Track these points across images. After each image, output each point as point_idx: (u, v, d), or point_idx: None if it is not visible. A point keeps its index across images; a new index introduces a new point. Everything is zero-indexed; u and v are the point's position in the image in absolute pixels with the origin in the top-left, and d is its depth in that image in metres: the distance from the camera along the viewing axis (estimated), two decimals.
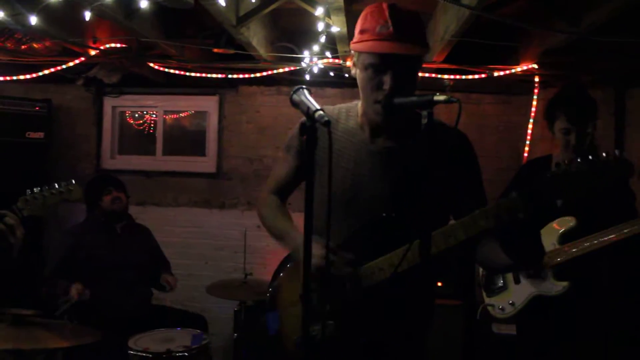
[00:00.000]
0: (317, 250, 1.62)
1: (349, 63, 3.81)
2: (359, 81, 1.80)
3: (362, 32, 1.75)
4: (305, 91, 1.59)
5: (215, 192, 5.55)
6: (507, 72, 4.11)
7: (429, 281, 2.00)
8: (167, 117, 5.81)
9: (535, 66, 4.02)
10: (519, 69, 4.06)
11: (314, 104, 1.52)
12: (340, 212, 1.80)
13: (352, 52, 1.82)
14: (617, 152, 1.52)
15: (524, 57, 4.06)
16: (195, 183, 5.57)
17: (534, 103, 4.30)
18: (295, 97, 1.60)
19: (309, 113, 1.51)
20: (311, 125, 1.50)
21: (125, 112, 5.85)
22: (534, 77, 4.28)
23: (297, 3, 3.14)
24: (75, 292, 3.46)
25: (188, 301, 4.92)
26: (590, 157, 1.53)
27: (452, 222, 1.79)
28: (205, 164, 5.60)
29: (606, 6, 2.80)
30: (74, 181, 2.69)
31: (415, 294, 1.81)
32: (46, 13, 3.35)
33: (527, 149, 4.49)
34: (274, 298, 2.07)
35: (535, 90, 4.28)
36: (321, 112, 1.49)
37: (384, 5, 1.73)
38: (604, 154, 1.53)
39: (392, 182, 1.81)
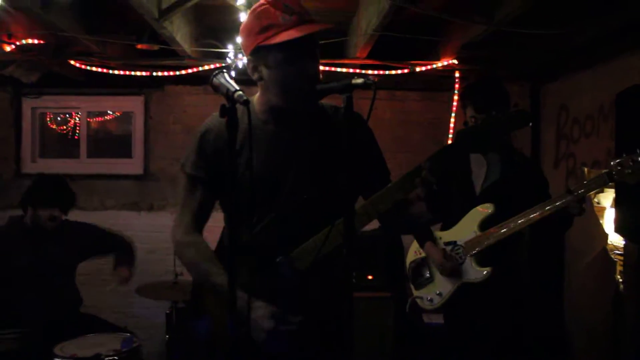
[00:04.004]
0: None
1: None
2: (270, 80, 1.80)
3: (265, 29, 1.74)
4: (225, 74, 1.59)
5: (143, 194, 5.44)
6: (429, 67, 4.24)
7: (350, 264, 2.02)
8: (90, 118, 5.64)
9: (455, 61, 4.16)
10: (439, 64, 4.19)
11: (234, 85, 1.53)
12: (266, 208, 1.85)
13: (250, 57, 1.81)
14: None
15: (444, 53, 4.20)
16: (122, 185, 5.44)
17: (455, 98, 4.44)
18: (215, 80, 1.59)
19: (228, 94, 1.51)
20: (231, 107, 1.51)
21: (46, 113, 5.64)
22: (454, 73, 4.42)
23: None
24: None
25: (120, 307, 4.79)
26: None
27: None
28: (132, 165, 5.48)
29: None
30: None
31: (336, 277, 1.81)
32: None
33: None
34: (198, 303, 2.05)
35: (456, 86, 4.43)
36: (240, 92, 1.50)
37: (272, 0, 1.75)
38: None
39: (308, 165, 1.86)
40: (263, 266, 1.82)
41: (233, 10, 3.31)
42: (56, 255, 3.69)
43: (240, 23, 3.30)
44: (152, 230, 5.30)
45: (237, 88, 1.51)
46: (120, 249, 4.01)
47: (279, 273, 1.82)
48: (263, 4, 1.77)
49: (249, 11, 1.81)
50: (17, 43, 3.93)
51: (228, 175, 1.54)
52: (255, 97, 1.90)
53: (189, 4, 3.25)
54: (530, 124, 1.75)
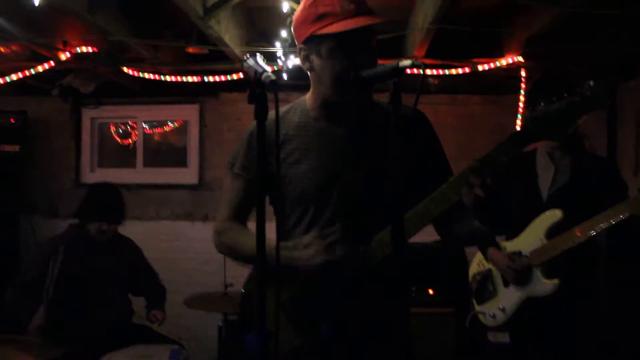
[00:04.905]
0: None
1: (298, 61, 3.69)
2: (322, 70, 1.71)
3: (320, 17, 1.66)
4: (258, 56, 1.48)
5: (198, 204, 5.43)
6: (492, 65, 3.97)
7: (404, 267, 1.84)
8: (146, 127, 5.70)
9: (521, 59, 3.88)
10: (503, 61, 3.92)
11: (262, 66, 1.42)
12: (318, 208, 1.74)
13: (303, 46, 1.73)
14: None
15: (508, 49, 3.94)
16: (177, 195, 5.45)
17: (522, 98, 4.15)
18: (244, 64, 1.48)
19: (256, 77, 1.40)
20: (260, 92, 1.38)
21: (104, 123, 5.75)
22: (519, 73, 4.14)
23: None
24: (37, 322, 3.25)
25: (173, 318, 4.72)
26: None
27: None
28: (187, 175, 5.48)
29: None
30: None
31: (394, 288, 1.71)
32: (9, 11, 3.24)
33: None
34: (246, 313, 1.92)
35: (522, 85, 4.14)
36: (269, 73, 1.39)
37: None
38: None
39: (364, 163, 1.74)
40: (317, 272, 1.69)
41: (283, 14, 3.20)
42: (109, 266, 3.65)
43: (284, 13, 3.23)
44: (207, 241, 5.16)
45: (266, 69, 1.40)
46: (154, 292, 3.95)
47: (330, 280, 1.68)
48: None
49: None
50: (72, 51, 3.96)
51: (260, 174, 1.43)
52: (308, 95, 1.83)
53: (235, 1, 3.15)
54: (609, 102, 1.50)
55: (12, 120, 5.03)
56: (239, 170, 1.83)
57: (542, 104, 2.48)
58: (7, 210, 5.04)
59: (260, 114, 1.38)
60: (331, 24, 1.62)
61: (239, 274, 4.70)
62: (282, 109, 1.85)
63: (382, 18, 1.67)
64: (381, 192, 1.69)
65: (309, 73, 1.77)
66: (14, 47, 3.87)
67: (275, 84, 1.37)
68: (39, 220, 5.38)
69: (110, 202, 3.65)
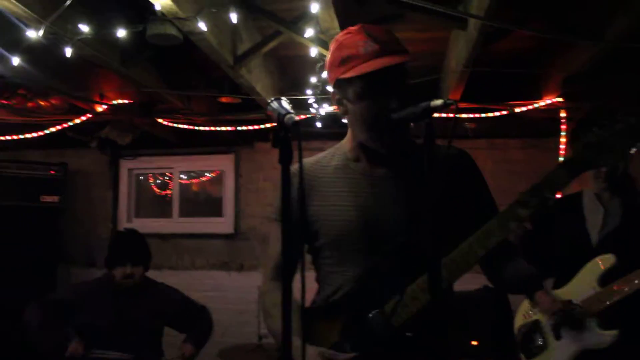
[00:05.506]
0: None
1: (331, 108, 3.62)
2: (353, 114, 1.67)
3: (344, 60, 1.62)
4: (282, 100, 1.44)
5: (233, 254, 5.39)
6: (530, 107, 3.86)
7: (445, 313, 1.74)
8: (182, 178, 5.75)
9: (560, 99, 3.76)
10: (542, 103, 3.81)
11: (285, 108, 1.38)
12: (354, 251, 1.68)
13: (334, 90, 1.70)
14: None
15: (546, 89, 3.83)
16: (213, 245, 5.43)
17: (563, 140, 4.01)
18: (268, 108, 1.45)
19: (279, 119, 1.36)
20: (284, 135, 1.34)
21: (141, 174, 5.83)
22: (558, 114, 4.02)
23: (293, 38, 2.99)
24: (73, 350, 3.19)
25: None
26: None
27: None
28: (222, 224, 5.47)
29: (634, 10, 2.55)
30: None
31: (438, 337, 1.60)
32: (46, 64, 3.32)
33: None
34: None
35: (563, 127, 4.00)
36: (292, 115, 1.35)
37: (355, 28, 1.65)
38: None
39: (404, 205, 1.67)
40: (353, 322, 1.64)
41: (314, 61, 3.20)
42: (137, 317, 3.56)
43: (312, 58, 3.22)
44: (242, 291, 5.18)
45: (289, 111, 1.37)
46: (198, 328, 3.83)
47: (371, 330, 1.61)
48: (345, 34, 1.67)
49: (332, 43, 1.71)
50: (108, 103, 4.03)
51: (286, 220, 1.39)
52: (345, 138, 1.79)
53: (265, 49, 3.17)
54: None
55: (52, 172, 5.13)
56: (276, 216, 1.79)
57: (594, 129, 2.36)
58: (45, 259, 5.09)
59: (285, 158, 1.34)
60: (354, 67, 1.59)
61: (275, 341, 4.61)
62: (320, 154, 1.84)
63: (406, 56, 1.61)
64: (421, 235, 1.57)
65: (344, 116, 1.73)
66: (53, 101, 3.97)
67: (298, 126, 1.32)
68: (77, 269, 5.44)
69: (133, 246, 3.61)
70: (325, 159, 1.81)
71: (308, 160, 1.79)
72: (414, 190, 1.65)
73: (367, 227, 1.66)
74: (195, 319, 3.78)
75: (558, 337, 2.64)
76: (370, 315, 1.61)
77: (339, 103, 1.70)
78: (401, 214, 1.66)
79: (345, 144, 1.78)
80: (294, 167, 1.50)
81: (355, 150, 1.74)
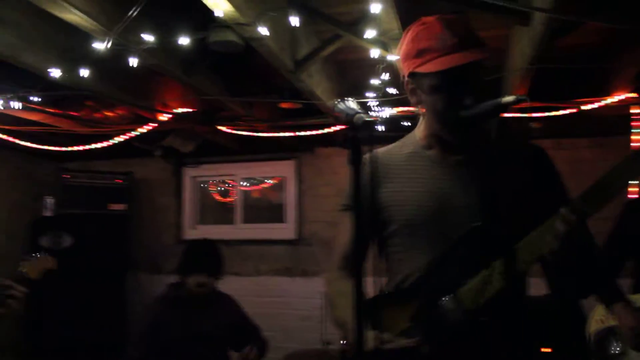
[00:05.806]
0: None
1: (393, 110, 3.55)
2: (427, 105, 1.65)
3: (420, 53, 1.59)
4: (349, 100, 1.42)
5: (296, 259, 5.41)
6: (600, 104, 3.67)
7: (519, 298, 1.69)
8: (245, 184, 5.80)
9: (634, 94, 3.56)
10: (612, 99, 3.61)
11: (355, 109, 1.36)
12: (427, 237, 1.66)
13: (408, 79, 1.67)
14: None
15: (615, 86, 3.63)
16: (276, 251, 5.46)
17: (634, 138, 3.79)
18: (336, 108, 1.42)
19: (348, 119, 1.34)
20: (353, 136, 1.32)
21: (204, 182, 5.93)
22: (629, 110, 3.81)
23: (352, 41, 2.96)
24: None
25: None
26: None
27: None
28: (285, 230, 5.49)
29: None
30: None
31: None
32: (111, 75, 3.42)
33: (636, 189, 3.92)
34: None
35: (634, 124, 3.78)
36: (361, 114, 1.33)
37: (432, 20, 1.61)
38: None
39: (476, 192, 1.63)
40: (426, 307, 1.60)
41: (374, 63, 3.16)
42: (206, 330, 3.57)
43: (373, 59, 3.19)
44: (305, 297, 5.18)
45: (358, 110, 1.34)
46: (257, 345, 3.84)
47: (444, 315, 1.58)
48: (421, 25, 1.63)
49: (406, 32, 1.68)
50: (171, 112, 4.11)
51: (355, 211, 1.36)
52: (418, 126, 1.78)
53: (325, 52, 3.15)
54: None
55: (119, 181, 5.30)
56: (345, 204, 1.77)
57: None
58: (114, 267, 5.24)
59: (355, 159, 1.31)
60: (430, 60, 1.56)
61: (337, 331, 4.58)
62: (390, 145, 1.82)
63: (485, 51, 1.56)
64: (492, 223, 1.57)
65: (418, 106, 1.70)
66: (119, 111, 4.08)
67: (369, 125, 1.30)
68: (143, 276, 5.57)
69: (209, 255, 3.63)
70: (396, 148, 1.80)
71: (379, 150, 1.79)
72: (486, 179, 1.62)
73: (441, 212, 1.64)
74: (251, 337, 3.78)
75: (638, 349, 2.51)
76: (443, 299, 1.58)
77: (412, 93, 1.68)
78: (475, 200, 1.61)
79: (417, 133, 1.76)
80: (366, 156, 1.48)
81: (428, 138, 1.72)
